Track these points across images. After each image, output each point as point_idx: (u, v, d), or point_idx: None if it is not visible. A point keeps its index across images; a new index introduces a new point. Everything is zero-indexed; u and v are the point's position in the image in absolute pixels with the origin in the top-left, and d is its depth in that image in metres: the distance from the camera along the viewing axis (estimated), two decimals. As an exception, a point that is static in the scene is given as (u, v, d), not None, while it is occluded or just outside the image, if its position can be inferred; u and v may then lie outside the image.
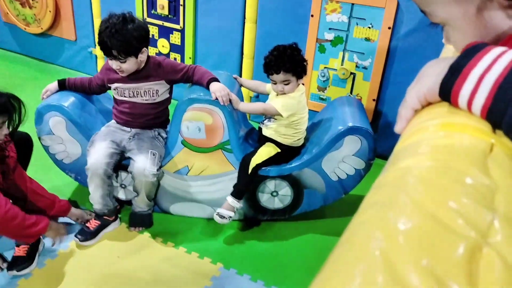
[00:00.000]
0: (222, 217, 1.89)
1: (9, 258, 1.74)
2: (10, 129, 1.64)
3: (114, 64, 1.79)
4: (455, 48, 0.57)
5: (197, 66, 1.92)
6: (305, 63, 1.82)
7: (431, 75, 0.45)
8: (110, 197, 1.92)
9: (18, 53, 3.79)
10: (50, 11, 3.32)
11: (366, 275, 0.26)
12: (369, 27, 2.33)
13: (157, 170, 1.87)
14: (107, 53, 1.76)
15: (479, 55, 0.41)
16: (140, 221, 1.98)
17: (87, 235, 1.87)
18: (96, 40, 1.82)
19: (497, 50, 0.40)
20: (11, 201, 1.60)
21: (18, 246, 1.73)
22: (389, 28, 2.28)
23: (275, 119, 1.89)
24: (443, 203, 0.29)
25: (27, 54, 3.76)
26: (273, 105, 1.83)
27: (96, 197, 1.88)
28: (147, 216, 1.99)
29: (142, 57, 1.81)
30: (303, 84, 1.89)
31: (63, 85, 1.96)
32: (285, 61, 1.76)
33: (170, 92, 1.97)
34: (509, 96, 0.37)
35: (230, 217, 1.89)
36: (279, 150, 1.91)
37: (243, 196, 1.92)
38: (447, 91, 0.42)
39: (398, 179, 0.33)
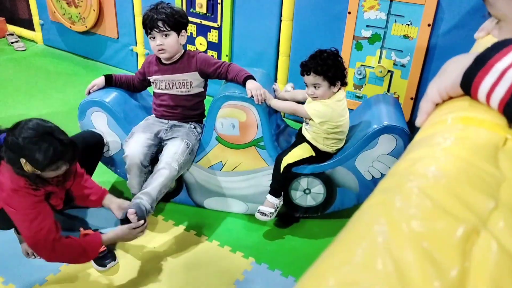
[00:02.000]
0: (263, 214, 1.91)
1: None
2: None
3: (158, 40, 1.88)
4: None
5: (232, 64, 1.96)
6: (341, 70, 1.77)
7: (454, 69, 0.45)
8: None
9: (63, 50, 3.97)
10: (94, 10, 3.45)
11: (366, 256, 0.27)
12: (408, 24, 2.29)
13: (184, 164, 1.90)
14: (152, 27, 1.87)
15: (506, 50, 0.40)
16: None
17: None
18: (139, 36, 1.90)
19: None
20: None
21: None
22: (428, 25, 2.23)
23: (310, 124, 1.88)
24: (448, 190, 0.30)
25: (72, 51, 3.92)
26: (305, 108, 1.82)
27: (134, 184, 1.94)
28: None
29: (182, 40, 1.93)
30: (343, 89, 1.85)
31: (109, 81, 2.05)
32: (317, 64, 1.74)
33: (205, 87, 2.03)
34: None
35: (272, 213, 1.91)
36: (313, 154, 1.91)
37: (280, 194, 1.93)
38: (469, 81, 0.42)
39: (408, 168, 0.34)
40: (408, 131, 1.82)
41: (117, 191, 2.20)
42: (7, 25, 4.20)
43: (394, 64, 2.41)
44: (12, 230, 1.81)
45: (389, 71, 2.44)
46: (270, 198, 1.92)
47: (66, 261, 1.64)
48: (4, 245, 1.84)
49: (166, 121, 2.01)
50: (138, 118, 2.08)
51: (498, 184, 0.30)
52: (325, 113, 1.80)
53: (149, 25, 1.88)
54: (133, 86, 2.10)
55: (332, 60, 1.76)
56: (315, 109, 1.81)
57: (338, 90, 1.81)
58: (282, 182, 1.92)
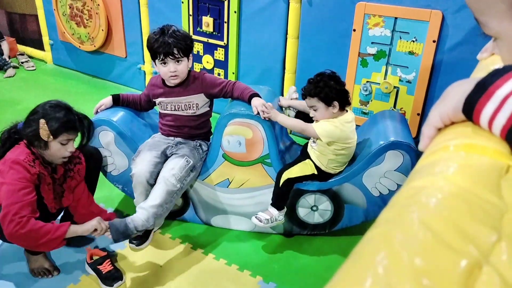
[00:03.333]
0: (258, 219, 1.91)
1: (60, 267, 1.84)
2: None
3: (171, 67, 1.87)
4: (502, 63, 0.56)
5: (237, 82, 1.98)
6: (336, 90, 1.77)
7: (456, 94, 0.45)
8: None
9: (72, 70, 4.03)
10: (102, 30, 3.51)
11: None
12: (413, 41, 2.30)
13: (183, 180, 1.89)
14: (167, 54, 1.84)
15: (507, 76, 0.40)
16: (120, 234, 1.73)
17: (140, 239, 1.96)
18: (146, 54, 1.91)
19: None
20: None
21: None
22: (434, 41, 2.24)
23: (317, 143, 1.88)
24: (449, 222, 0.30)
25: (81, 71, 3.98)
26: (314, 128, 1.82)
27: (141, 202, 1.95)
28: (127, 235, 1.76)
29: (190, 63, 1.94)
30: (349, 111, 1.85)
31: (117, 101, 2.07)
32: (311, 87, 1.79)
33: (211, 106, 2.04)
34: None
35: (267, 219, 1.90)
36: (315, 172, 1.90)
37: (281, 208, 1.93)
38: (471, 108, 0.42)
39: (410, 198, 0.34)
40: (415, 147, 1.81)
41: (124, 209, 2.20)
42: (18, 45, 4.28)
43: (400, 80, 2.42)
44: (20, 250, 1.83)
45: (395, 87, 2.44)
46: (270, 208, 1.93)
47: (26, 244, 1.63)
48: (14, 263, 1.85)
49: (172, 138, 2.02)
50: (145, 136, 2.10)
51: (501, 214, 0.30)
52: (333, 133, 1.80)
53: (163, 52, 1.84)
54: (140, 106, 2.11)
55: (324, 82, 1.78)
56: (323, 128, 1.80)
57: (341, 111, 1.81)
58: (280, 196, 1.92)
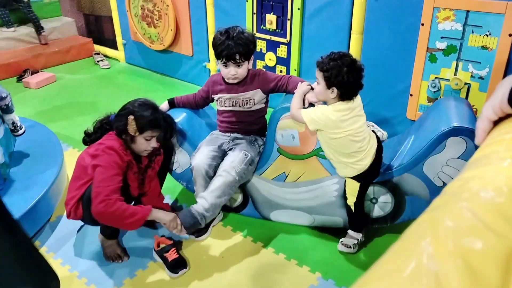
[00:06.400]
0: (347, 246, 1.93)
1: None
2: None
3: (232, 70, 1.94)
4: None
5: (292, 76, 2.02)
6: (342, 78, 1.65)
7: (505, 86, 0.45)
8: None
9: (143, 68, 4.24)
10: (171, 30, 3.66)
11: (411, 272, 0.28)
12: (487, 35, 2.18)
13: (242, 173, 1.95)
14: (229, 58, 1.91)
15: None
16: (191, 221, 1.87)
17: (200, 231, 2.04)
18: (211, 53, 1.98)
19: None
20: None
21: None
22: (510, 35, 2.11)
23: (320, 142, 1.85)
24: (497, 210, 0.30)
25: (151, 69, 4.18)
26: (303, 114, 1.77)
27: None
28: (196, 223, 1.88)
29: (250, 64, 2.00)
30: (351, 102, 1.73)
31: (172, 104, 2.19)
32: (325, 61, 1.69)
33: (266, 102, 2.09)
34: None
35: (355, 244, 1.93)
36: (359, 182, 1.84)
37: (361, 229, 1.94)
38: None
39: (460, 187, 0.34)
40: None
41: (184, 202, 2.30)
42: (94, 45, 4.59)
43: (471, 76, 2.30)
44: (97, 235, 1.97)
45: (466, 83, 2.33)
46: (352, 233, 1.95)
47: (112, 222, 1.73)
48: (90, 246, 2.00)
49: (229, 134, 2.10)
50: (204, 135, 2.18)
51: None
52: (318, 120, 1.74)
53: (225, 55, 1.90)
54: (196, 103, 2.20)
55: (338, 65, 1.66)
56: (309, 114, 1.75)
57: (340, 100, 1.71)
58: (360, 219, 1.93)
